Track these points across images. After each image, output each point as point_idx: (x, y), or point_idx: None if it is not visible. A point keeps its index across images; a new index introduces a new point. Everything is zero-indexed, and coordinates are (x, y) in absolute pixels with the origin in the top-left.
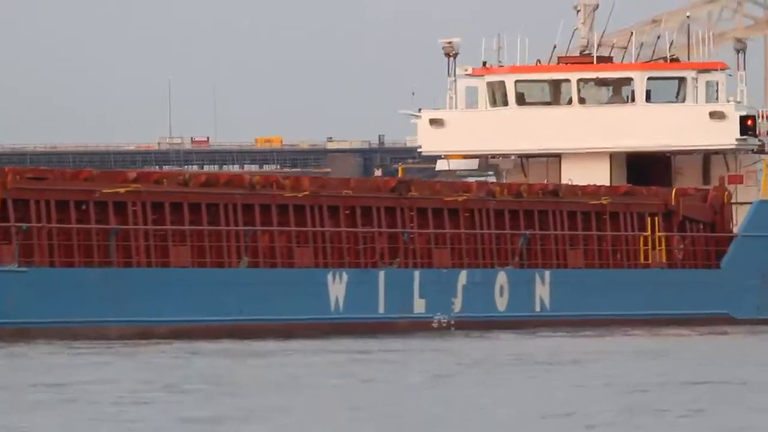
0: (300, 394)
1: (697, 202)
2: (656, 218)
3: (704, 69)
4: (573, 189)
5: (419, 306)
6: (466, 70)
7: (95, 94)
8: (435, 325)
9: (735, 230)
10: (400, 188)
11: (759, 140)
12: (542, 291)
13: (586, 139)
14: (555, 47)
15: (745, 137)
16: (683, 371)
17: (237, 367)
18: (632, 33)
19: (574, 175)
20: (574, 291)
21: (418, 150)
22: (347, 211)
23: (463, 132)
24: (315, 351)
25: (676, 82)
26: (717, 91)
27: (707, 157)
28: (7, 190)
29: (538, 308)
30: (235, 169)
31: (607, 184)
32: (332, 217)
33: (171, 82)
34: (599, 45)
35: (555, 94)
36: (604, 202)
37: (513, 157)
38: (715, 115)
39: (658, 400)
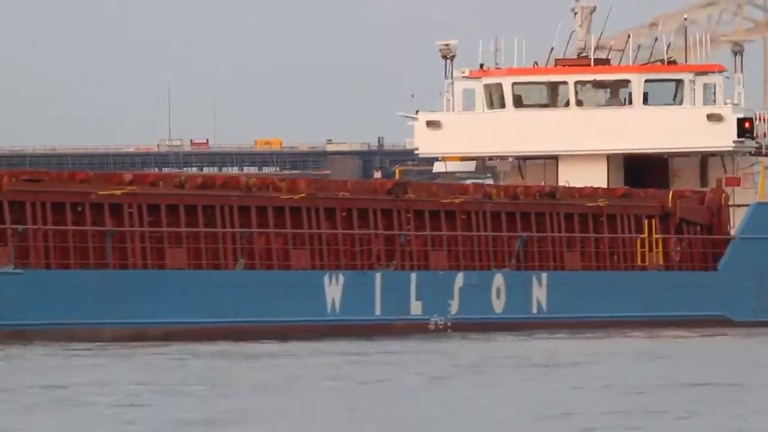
0: (296, 396)
1: (695, 205)
2: (653, 220)
3: (702, 71)
4: (570, 191)
5: (416, 308)
6: (464, 72)
7: (95, 95)
8: (432, 327)
9: (732, 232)
10: (397, 190)
11: (756, 142)
12: (539, 293)
13: (583, 141)
14: (552, 49)
15: (742, 139)
16: (682, 373)
17: (233, 369)
18: (629, 35)
19: (571, 177)
20: (571, 293)
21: (415, 152)
22: (344, 213)
23: (461, 134)
24: (311, 353)
25: (674, 84)
26: (714, 93)
27: (704, 159)
28: (3, 192)
29: (534, 310)
30: (235, 171)
31: (605, 186)
32: (329, 219)
33: (170, 84)
34: (597, 47)
35: (552, 96)
36: (601, 204)
37: (510, 159)
38: (713, 118)
39: (657, 402)
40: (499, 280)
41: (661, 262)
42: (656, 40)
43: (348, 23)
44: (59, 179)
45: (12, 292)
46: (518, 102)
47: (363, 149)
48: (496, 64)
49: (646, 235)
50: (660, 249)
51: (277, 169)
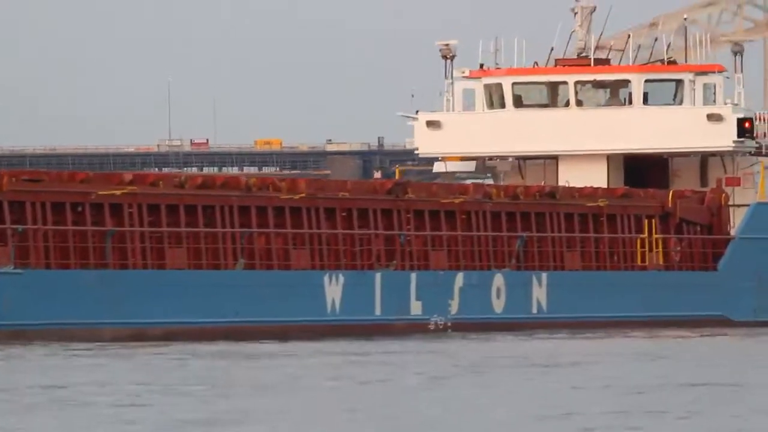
0: (296, 396)
1: (694, 205)
2: (653, 220)
3: (702, 71)
4: (570, 191)
5: (416, 308)
6: (464, 72)
7: (95, 96)
8: (431, 327)
9: (732, 232)
10: (397, 190)
11: (756, 142)
12: (539, 293)
13: (583, 141)
14: (552, 49)
15: (742, 139)
16: (681, 373)
17: (233, 369)
18: (629, 35)
19: (571, 177)
20: (571, 293)
21: (415, 152)
22: (344, 213)
23: (460, 134)
24: (311, 353)
25: (674, 84)
26: (714, 93)
27: (704, 159)
28: (3, 192)
29: (534, 310)
30: (235, 171)
31: (605, 186)
32: (329, 219)
33: (170, 84)
34: (597, 47)
35: (552, 96)
36: (601, 204)
37: (510, 159)
38: (713, 118)
39: (656, 402)
40: (499, 280)
41: (661, 262)
42: (656, 40)
43: (347, 25)
44: (59, 179)
45: (12, 292)
46: (518, 102)
47: (363, 149)
48: (496, 64)
49: (646, 235)
50: (660, 249)
51: (277, 169)
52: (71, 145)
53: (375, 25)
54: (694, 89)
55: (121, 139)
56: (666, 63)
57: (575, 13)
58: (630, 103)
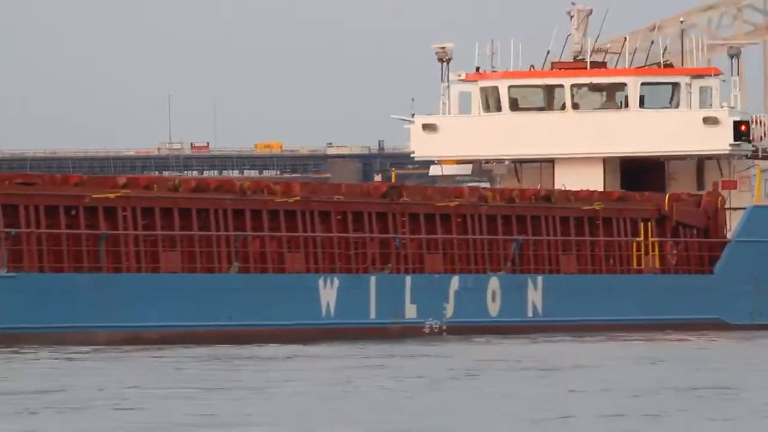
0: (291, 399)
1: (691, 208)
2: (649, 223)
3: (698, 74)
4: (566, 194)
5: (411, 311)
6: (460, 75)
7: (95, 99)
8: (426, 330)
9: (728, 236)
10: (392, 194)
11: (753, 146)
12: (534, 296)
13: (579, 144)
14: (548, 53)
15: (738, 143)
16: (678, 376)
17: (228, 372)
18: (626, 38)
19: (567, 180)
20: (567, 296)
21: (411, 155)
22: (338, 217)
23: (457, 137)
24: (306, 357)
25: (670, 87)
26: (711, 96)
27: (701, 162)
28: None
29: (530, 314)
30: (235, 174)
31: (601, 189)
32: (323, 222)
33: (171, 86)
34: (594, 51)
35: (548, 99)
36: (597, 207)
37: (506, 163)
38: (709, 121)
39: (653, 406)
40: (494, 283)
41: (657, 265)
42: (652, 43)
43: (348, 27)
44: (53, 183)
45: (5, 296)
46: (514, 105)
47: (363, 152)
48: (493, 67)
49: (642, 238)
50: (656, 252)
51: (278, 172)
52: (71, 149)
53: (375, 25)
54: (691, 92)
55: (121, 143)
56: (662, 66)
57: (571, 17)
58: (626, 106)
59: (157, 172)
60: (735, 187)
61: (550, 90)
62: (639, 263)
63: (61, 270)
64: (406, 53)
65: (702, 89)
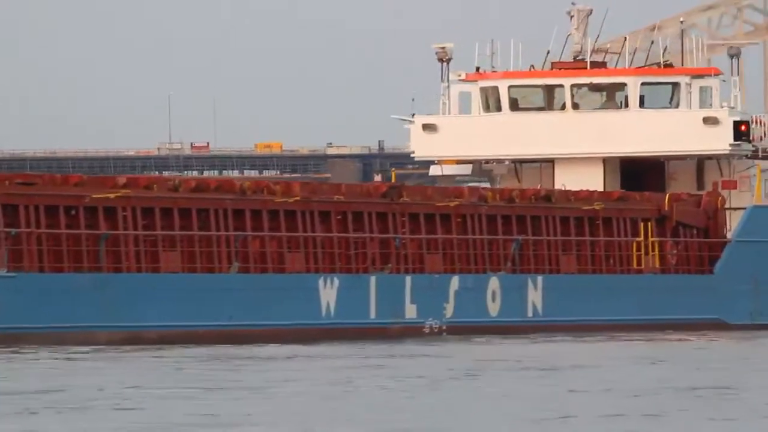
0: (291, 399)
1: (691, 208)
2: (649, 223)
3: (698, 74)
4: (566, 194)
5: (411, 311)
6: (460, 75)
7: (96, 100)
8: (426, 330)
9: (728, 236)
10: (392, 194)
11: (753, 145)
12: (534, 296)
13: (579, 144)
14: (548, 52)
15: (738, 142)
16: (678, 377)
17: (228, 372)
18: (626, 38)
19: (567, 180)
20: (567, 296)
21: (411, 155)
22: (338, 217)
23: (457, 137)
24: (306, 357)
25: (670, 87)
26: (711, 96)
27: (701, 162)
28: None
29: (530, 314)
30: (235, 174)
31: (601, 189)
32: (323, 222)
33: (171, 86)
34: (594, 51)
35: (548, 99)
36: (597, 207)
37: (506, 163)
38: (709, 121)
39: (654, 406)
40: (494, 283)
41: (657, 265)
42: (652, 43)
43: (348, 27)
44: (53, 182)
45: (5, 296)
46: (514, 105)
47: (364, 152)
48: (493, 67)
49: (642, 238)
50: (656, 252)
51: (278, 172)
52: (72, 149)
53: (375, 25)
54: (691, 92)
55: (121, 143)
56: (662, 66)
57: (571, 16)
58: (626, 106)
59: (157, 172)
60: (735, 187)
61: (550, 90)
62: (639, 263)
63: (61, 270)
64: (406, 53)
65: (702, 89)
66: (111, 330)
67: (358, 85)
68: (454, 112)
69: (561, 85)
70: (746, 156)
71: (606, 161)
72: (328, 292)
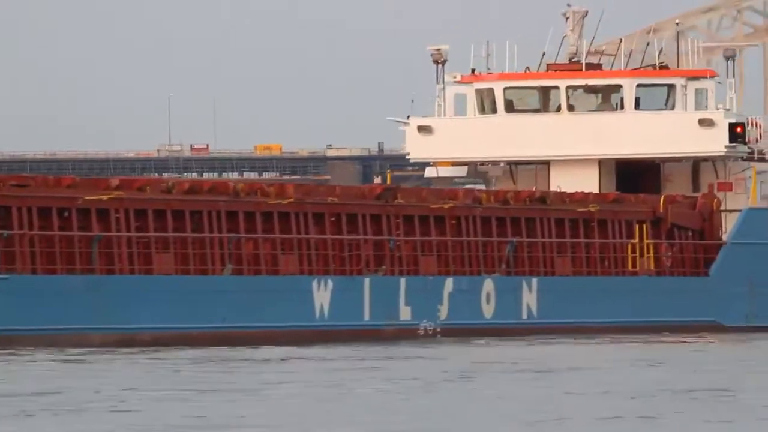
0: (285, 401)
1: (686, 210)
2: (644, 225)
3: (693, 76)
4: (560, 196)
5: (405, 313)
6: (455, 77)
7: (95, 102)
8: (421, 332)
9: (724, 238)
10: (386, 195)
11: (748, 147)
12: (529, 298)
13: (574, 146)
14: (544, 54)
15: (734, 144)
16: (674, 379)
17: (223, 374)
18: (621, 40)
19: (563, 182)
20: (562, 298)
21: (407, 157)
22: (333, 218)
23: (452, 139)
24: (300, 359)
25: (666, 89)
26: (706, 98)
27: (696, 164)
28: None
29: (525, 316)
30: (235, 176)
31: (596, 191)
32: (317, 224)
33: (171, 88)
34: (590, 53)
35: (544, 101)
36: (592, 209)
37: (502, 165)
38: (705, 123)
39: (649, 408)
40: (488, 285)
41: (652, 267)
42: (648, 44)
43: (348, 28)
44: (45, 184)
45: None
46: (510, 107)
47: (363, 154)
48: (488, 68)
49: (637, 240)
50: (651, 254)
51: (277, 174)
52: (71, 150)
53: (375, 25)
54: (686, 94)
55: (121, 145)
56: (658, 68)
57: (567, 18)
58: (622, 108)
59: (156, 174)
60: (730, 189)
61: (545, 92)
62: (634, 265)
63: (53, 272)
64: (406, 54)
65: (697, 91)
66: (104, 332)
67: (358, 86)
68: (450, 113)
69: (556, 87)
70: (742, 158)
71: (601, 163)
72: (322, 293)
